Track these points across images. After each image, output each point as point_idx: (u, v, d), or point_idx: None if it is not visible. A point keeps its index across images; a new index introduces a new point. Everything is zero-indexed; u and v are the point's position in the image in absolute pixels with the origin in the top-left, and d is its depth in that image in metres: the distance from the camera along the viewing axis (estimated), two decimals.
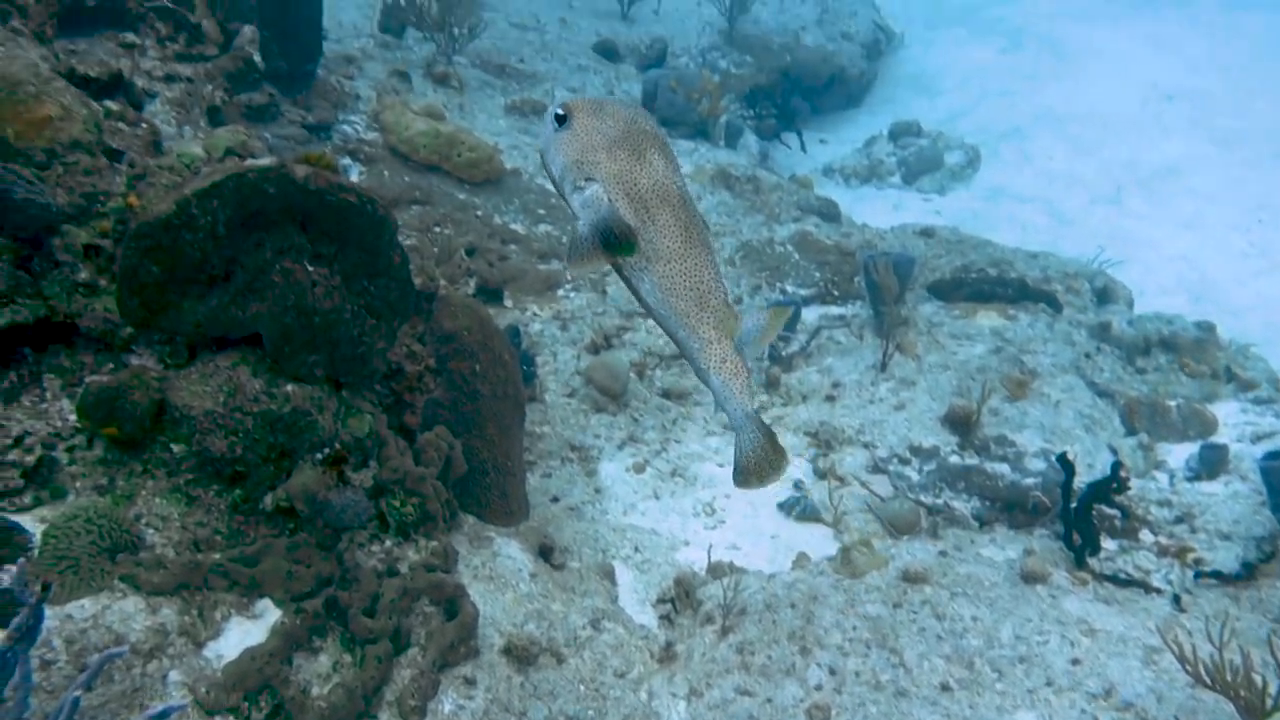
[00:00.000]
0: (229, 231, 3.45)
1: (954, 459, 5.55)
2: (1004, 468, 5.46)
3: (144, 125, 4.04)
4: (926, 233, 7.98)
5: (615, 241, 2.72)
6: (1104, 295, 7.16)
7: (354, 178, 6.42)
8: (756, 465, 2.80)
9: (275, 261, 3.64)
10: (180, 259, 3.35)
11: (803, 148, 10.60)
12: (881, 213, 9.44)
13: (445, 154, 7.00)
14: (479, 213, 6.98)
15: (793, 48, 11.24)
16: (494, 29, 9.88)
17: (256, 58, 5.94)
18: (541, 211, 7.32)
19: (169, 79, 5.49)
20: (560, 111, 2.84)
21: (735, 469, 2.87)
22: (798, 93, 11.05)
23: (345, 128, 6.75)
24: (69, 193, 3.52)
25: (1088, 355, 6.47)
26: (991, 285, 6.81)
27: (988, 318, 6.64)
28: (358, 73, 7.61)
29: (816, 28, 11.47)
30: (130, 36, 5.47)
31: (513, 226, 7.05)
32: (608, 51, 10.21)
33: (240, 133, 4.37)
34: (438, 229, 6.62)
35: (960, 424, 5.73)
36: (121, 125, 3.97)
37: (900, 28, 12.82)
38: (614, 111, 2.83)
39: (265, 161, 4.07)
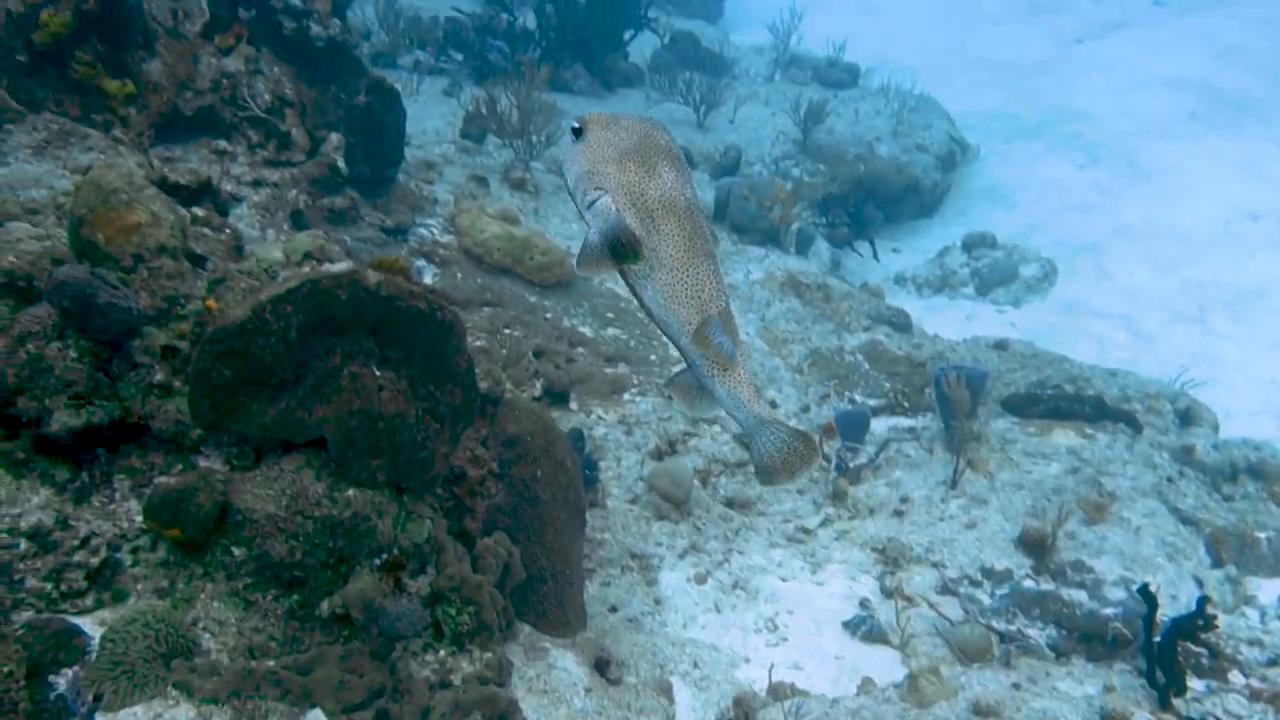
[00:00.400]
0: (300, 336, 3.52)
1: (1028, 583, 5.33)
2: (1081, 595, 5.22)
3: (227, 231, 4.18)
4: (1000, 346, 7.83)
5: (622, 249, 2.80)
6: (1186, 417, 6.90)
7: (428, 280, 6.56)
8: (784, 462, 2.82)
9: (344, 366, 3.69)
10: (252, 363, 3.42)
11: (875, 256, 10.57)
12: (954, 324, 9.32)
13: (518, 257, 7.12)
14: (548, 315, 7.05)
15: (867, 158, 11.32)
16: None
17: (340, 164, 6.15)
18: (610, 315, 7.37)
19: (256, 184, 5.71)
20: (577, 125, 2.92)
21: (759, 471, 2.89)
22: (871, 201, 11.08)
23: (422, 230, 6.92)
24: (151, 295, 3.63)
25: (1170, 480, 6.21)
26: (1068, 403, 6.63)
27: (1064, 436, 6.43)
28: (437, 177, 7.84)
29: (891, 139, 11.56)
30: (223, 144, 5.73)
31: (581, 329, 7.10)
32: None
33: (319, 237, 4.50)
34: (507, 331, 6.69)
35: (1035, 547, 5.51)
36: (206, 230, 4.11)
37: (976, 140, 12.84)
38: (628, 125, 2.90)
39: (340, 267, 4.17)
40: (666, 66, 12.59)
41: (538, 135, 8.75)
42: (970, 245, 10.43)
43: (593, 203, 2.88)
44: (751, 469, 6.48)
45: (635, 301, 7.16)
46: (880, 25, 17.44)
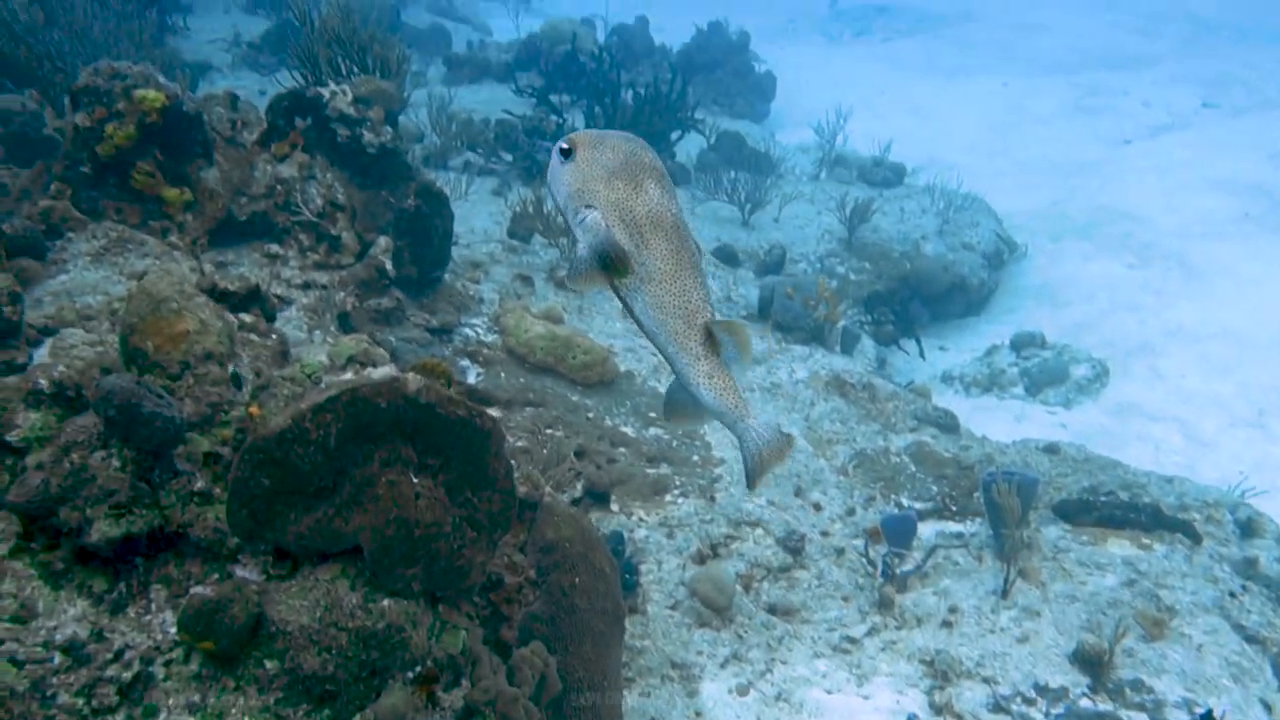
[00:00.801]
0: (339, 444, 3.52)
1: (1085, 703, 5.10)
2: (1142, 718, 4.97)
3: (273, 336, 4.25)
4: (1051, 449, 7.65)
5: (611, 264, 2.92)
6: (1248, 528, 6.65)
7: (472, 379, 6.60)
8: (763, 462, 3.02)
9: (382, 473, 3.68)
10: (290, 472, 3.42)
11: (921, 354, 10.48)
12: (1003, 424, 9.15)
13: (560, 356, 7.15)
14: (590, 415, 7.04)
15: (913, 256, 11.32)
16: None
17: (388, 266, 6.27)
18: (652, 414, 7.34)
19: (306, 286, 5.83)
20: (565, 145, 3.04)
21: (748, 472, 3.07)
22: (917, 299, 11.04)
23: (467, 330, 6.99)
24: (196, 402, 3.67)
25: (1232, 594, 5.95)
26: (1123, 511, 6.42)
27: (1119, 546, 6.22)
28: (484, 276, 7.95)
29: (937, 237, 11.56)
30: (275, 247, 5.87)
31: (623, 429, 7.07)
32: (727, 257, 10.46)
33: (363, 341, 4.55)
34: (549, 431, 6.68)
35: (1091, 663, 5.29)
36: (253, 336, 4.18)
37: (1023, 239, 12.79)
38: (614, 144, 3.02)
39: (381, 373, 4.21)
40: (712, 166, 12.78)
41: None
42: (1019, 344, 10.30)
43: (583, 220, 2.99)
44: (795, 575, 6.34)
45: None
46: (926, 125, 17.63)
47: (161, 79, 5.37)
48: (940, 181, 12.73)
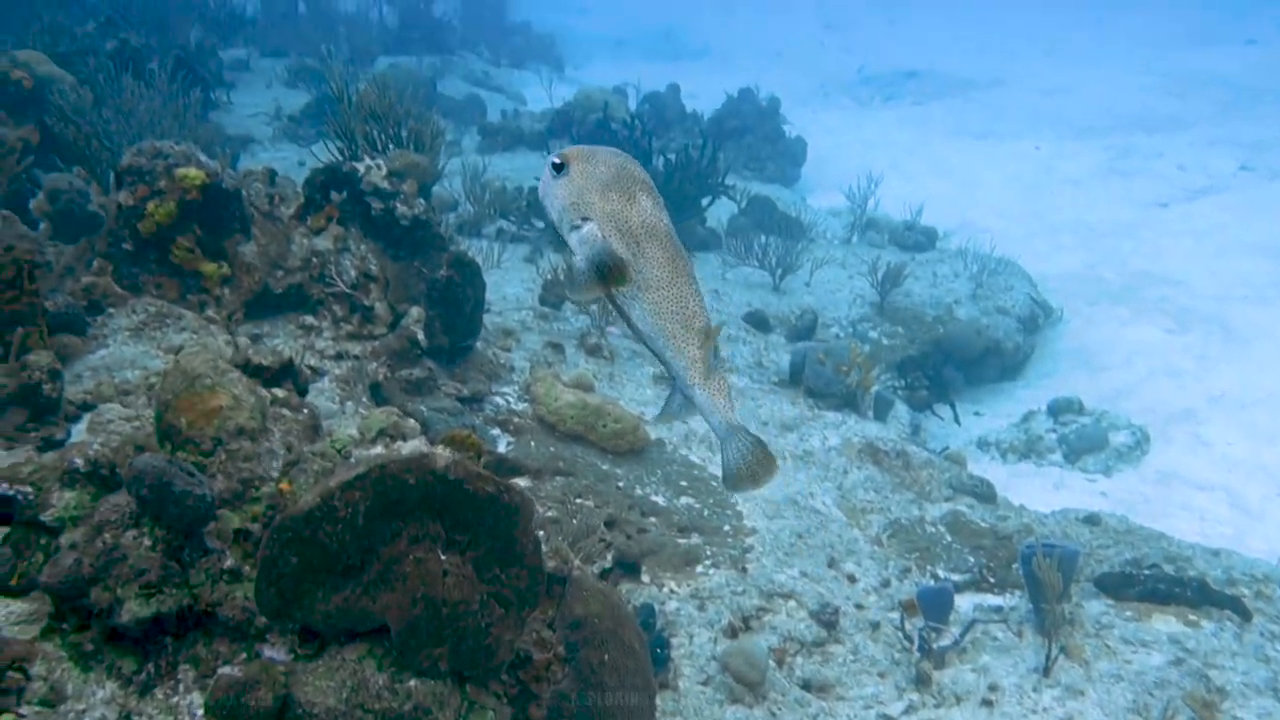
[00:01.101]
0: (367, 522, 3.52)
1: None
2: None
3: (305, 411, 4.27)
4: (1091, 520, 7.49)
5: (609, 273, 2.99)
6: None
7: (502, 448, 6.60)
8: (749, 470, 3.11)
9: (410, 551, 3.67)
10: (318, 550, 3.42)
11: (956, 420, 10.36)
12: (1041, 492, 8.99)
13: (590, 425, 7.14)
14: (620, 484, 7.00)
15: (946, 320, 11.26)
16: None
17: (420, 336, 6.32)
18: (684, 483, 7.29)
19: (339, 357, 5.88)
20: (557, 160, 3.13)
21: (725, 476, 3.19)
22: (951, 364, 10.95)
23: (498, 399, 7.01)
24: (227, 478, 3.69)
25: None
26: (1168, 585, 6.25)
27: (1165, 622, 6.04)
28: (515, 344, 8.00)
29: (970, 302, 11.50)
30: (309, 319, 5.94)
31: (653, 498, 7.02)
32: (758, 322, 10.46)
33: (393, 414, 4.56)
34: (579, 500, 6.64)
35: None
36: (285, 411, 4.21)
37: (1059, 303, 12.69)
38: (605, 159, 3.12)
39: (409, 448, 4.22)
40: (743, 230, 12.85)
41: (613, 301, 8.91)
42: (1056, 410, 10.15)
43: (579, 232, 3.07)
44: (830, 649, 6.21)
45: (706, 467, 7.03)
46: (957, 188, 17.65)
47: (202, 157, 5.52)
48: (973, 245, 12.71)
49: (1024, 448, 9.97)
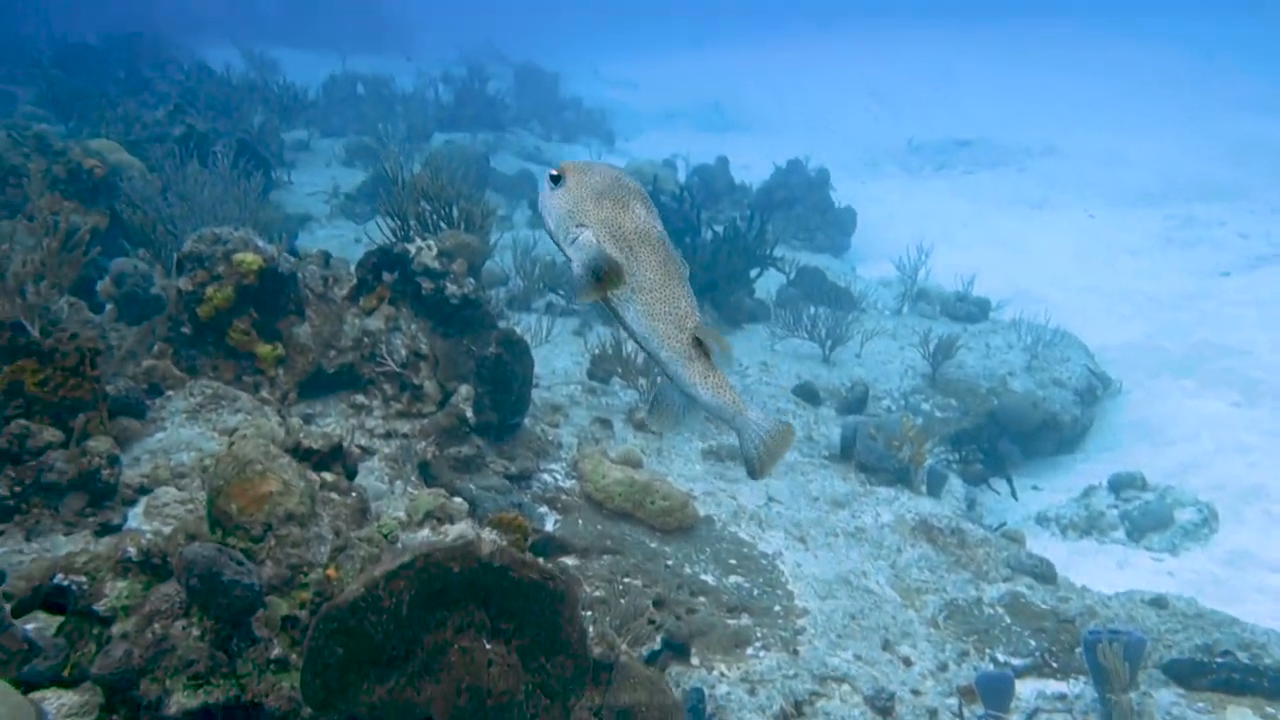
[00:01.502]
0: (412, 612, 3.51)
1: None
2: None
3: (353, 495, 4.31)
4: (1158, 603, 7.23)
5: (604, 276, 3.13)
6: None
7: (550, 527, 6.58)
8: (768, 453, 3.19)
9: (454, 640, 3.65)
10: (363, 641, 3.41)
11: (1013, 494, 10.14)
12: (1103, 571, 8.71)
13: (638, 502, 7.10)
14: (669, 562, 6.92)
15: (1000, 392, 11.08)
16: None
17: (469, 413, 6.36)
18: (733, 562, 7.19)
19: (388, 435, 5.94)
20: (554, 173, 3.31)
21: (747, 464, 3.28)
22: (1006, 437, 10.75)
23: (545, 476, 7.01)
24: (276, 564, 3.72)
25: None
26: (1243, 674, 5.98)
27: (1240, 715, 5.77)
28: (563, 420, 8.02)
29: (1025, 373, 11.33)
30: (360, 398, 6.02)
31: (703, 577, 6.92)
32: (808, 394, 10.39)
33: (440, 496, 4.58)
34: (627, 580, 6.58)
35: None
36: (334, 495, 4.25)
37: (1118, 375, 12.42)
38: (600, 170, 3.29)
39: (455, 533, 4.22)
40: (792, 301, 12.85)
41: (662, 376, 8.90)
42: (1118, 486, 9.88)
43: (575, 239, 3.21)
44: None
45: (756, 544, 6.93)
46: (1010, 258, 17.50)
47: (259, 242, 5.68)
48: (1027, 316, 12.54)
49: (1085, 524, 9.70)
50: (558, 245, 3.33)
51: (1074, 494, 10.19)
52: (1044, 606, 7.21)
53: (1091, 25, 42.27)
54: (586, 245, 3.20)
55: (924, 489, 9.18)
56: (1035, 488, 10.57)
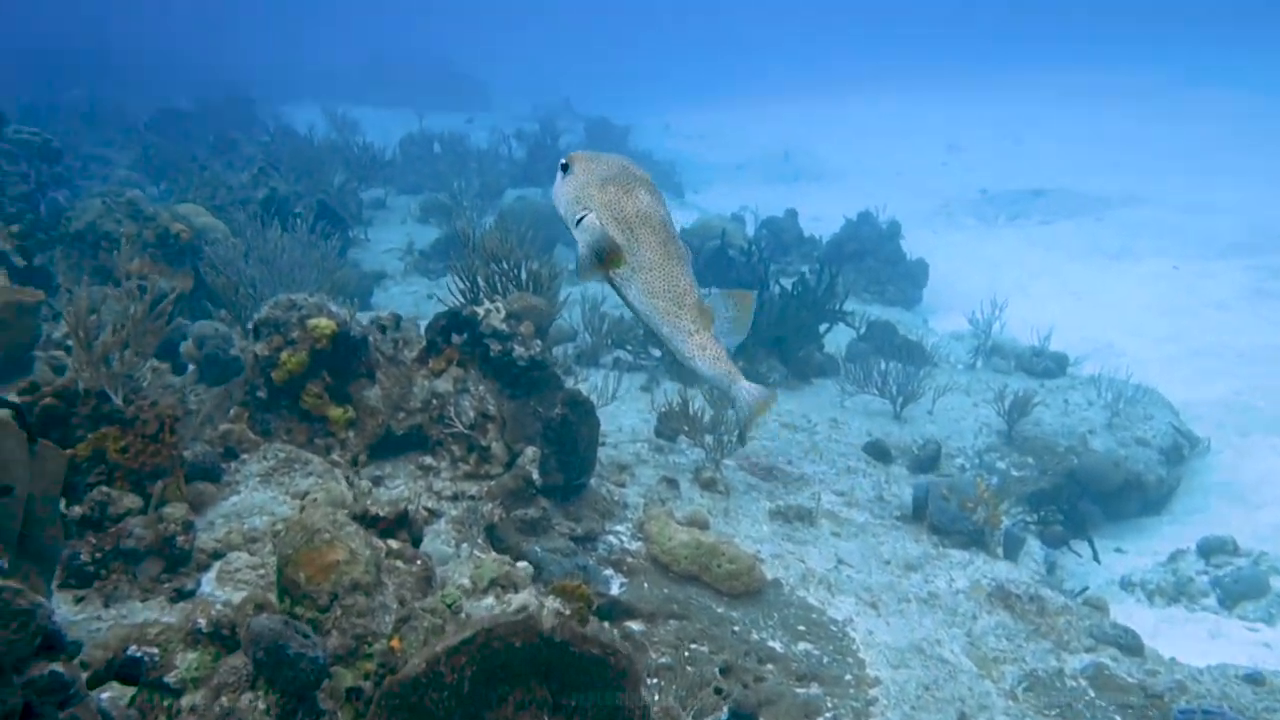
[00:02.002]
0: (473, 688, 3.50)
1: None
2: None
3: (418, 562, 4.34)
4: (1254, 679, 6.88)
5: (606, 256, 3.36)
6: None
7: (615, 590, 6.54)
8: (758, 411, 3.50)
9: (515, 717, 3.63)
10: (425, 718, 3.41)
11: (1095, 558, 9.79)
12: (1193, 641, 8.33)
13: (705, 565, 7.02)
14: (736, 628, 6.81)
15: (1079, 450, 10.77)
16: (764, 429, 10.22)
17: (535, 475, 6.38)
18: (801, 628, 7.04)
19: (455, 498, 5.99)
20: (564, 161, 3.57)
21: (740, 422, 3.87)
22: (1087, 497, 10.41)
23: (611, 538, 6.98)
24: (341, 634, 3.75)
25: None
26: None
27: None
28: (629, 479, 7.99)
29: (1106, 431, 11.00)
30: (428, 460, 6.09)
31: (770, 644, 6.79)
32: (878, 453, 10.21)
33: (505, 563, 4.59)
34: (693, 645, 6.49)
35: None
36: (399, 563, 4.28)
37: (1205, 433, 11.97)
38: (607, 159, 3.54)
39: (520, 599, 4.22)
40: (862, 355, 12.70)
41: (729, 435, 8.85)
42: (1208, 551, 9.47)
43: (580, 221, 3.44)
44: None
45: (825, 610, 6.83)
46: (1090, 311, 17.07)
47: (333, 307, 5.83)
48: (1107, 371, 12.20)
49: (1173, 591, 9.31)
50: (568, 229, 3.58)
51: (1160, 558, 9.80)
52: (1130, 680, 6.91)
53: (1173, 73, 41.53)
54: (590, 227, 3.42)
55: (1000, 552, 8.92)
56: (1119, 551, 10.20)
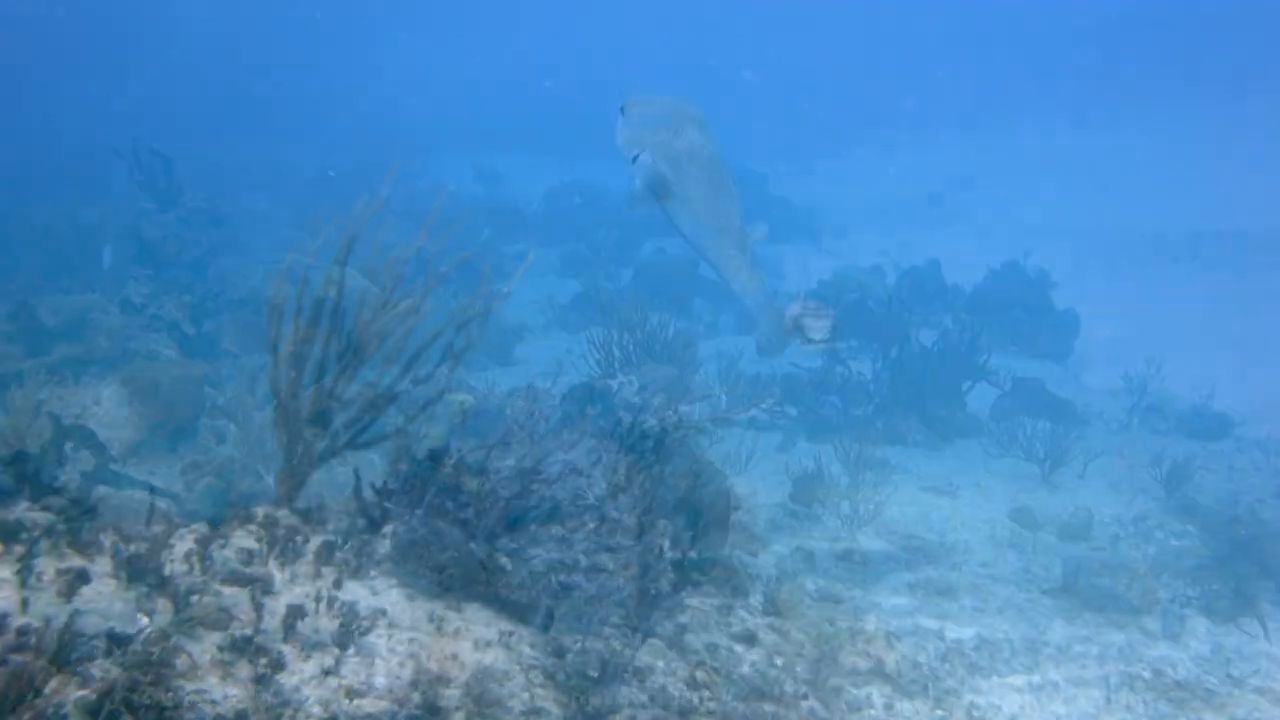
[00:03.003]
0: None
1: None
2: None
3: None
4: None
5: (656, 190, 3.80)
6: None
7: (745, 669, 6.46)
8: (775, 338, 4.03)
9: None
10: None
11: (1266, 636, 9.09)
12: None
13: (835, 649, 6.88)
14: (874, 711, 6.63)
15: (1247, 520, 10.06)
16: (904, 493, 9.98)
17: (666, 546, 6.39)
18: (940, 713, 6.80)
19: (592, 570, 6.05)
20: (622, 105, 3.96)
21: (759, 346, 4.23)
22: (1257, 570, 9.69)
23: (742, 611, 6.92)
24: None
25: None
26: None
27: None
28: (761, 549, 7.93)
29: (1276, 500, 10.26)
30: (559, 529, 6.19)
31: None
32: (1025, 520, 9.81)
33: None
34: None
35: None
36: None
37: None
38: (660, 101, 3.93)
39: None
40: (1008, 414, 12.28)
41: (866, 501, 8.69)
42: None
43: (635, 158, 3.86)
44: None
45: (959, 689, 6.42)
46: (1258, 368, 15.94)
47: (470, 384, 6.05)
48: (1277, 434, 11.41)
49: None
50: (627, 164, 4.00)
51: None
52: None
53: None
54: (642, 165, 3.82)
55: (1158, 628, 8.42)
56: None
